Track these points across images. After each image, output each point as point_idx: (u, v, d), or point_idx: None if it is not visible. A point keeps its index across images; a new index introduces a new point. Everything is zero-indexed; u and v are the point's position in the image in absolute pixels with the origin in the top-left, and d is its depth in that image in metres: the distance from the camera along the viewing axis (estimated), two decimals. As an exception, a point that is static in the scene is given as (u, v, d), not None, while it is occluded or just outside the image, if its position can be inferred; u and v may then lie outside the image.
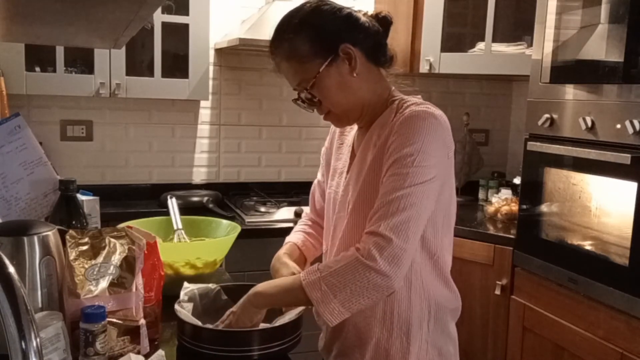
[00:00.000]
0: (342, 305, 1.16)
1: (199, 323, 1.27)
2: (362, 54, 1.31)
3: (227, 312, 1.31)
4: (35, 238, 1.17)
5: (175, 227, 1.76)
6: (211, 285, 1.45)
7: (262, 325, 1.31)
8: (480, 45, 3.00)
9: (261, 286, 1.29)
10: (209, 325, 1.31)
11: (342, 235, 1.36)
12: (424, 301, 1.32)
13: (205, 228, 1.79)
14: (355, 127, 1.44)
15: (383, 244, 1.15)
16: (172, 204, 1.80)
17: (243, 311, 1.27)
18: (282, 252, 1.52)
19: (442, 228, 1.31)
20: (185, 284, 1.42)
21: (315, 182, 1.62)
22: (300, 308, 1.31)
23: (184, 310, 1.30)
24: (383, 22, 1.36)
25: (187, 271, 1.60)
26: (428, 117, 1.22)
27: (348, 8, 1.34)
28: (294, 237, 1.59)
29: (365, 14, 1.36)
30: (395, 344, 1.31)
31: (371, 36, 1.33)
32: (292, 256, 1.51)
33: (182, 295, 1.37)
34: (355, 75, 1.29)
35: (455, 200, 1.34)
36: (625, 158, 1.93)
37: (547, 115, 2.31)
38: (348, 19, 1.32)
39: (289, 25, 1.31)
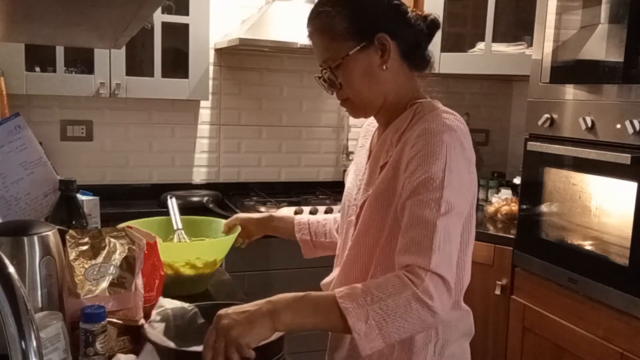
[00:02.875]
0: (383, 340, 1.04)
1: (171, 344, 1.11)
2: (398, 50, 1.25)
3: (222, 319, 1.03)
4: (35, 238, 1.17)
5: (175, 227, 1.75)
6: (187, 306, 1.29)
7: None
8: (480, 45, 3.00)
9: (287, 302, 1.05)
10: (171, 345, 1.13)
11: (351, 245, 1.29)
12: None
13: (205, 228, 1.79)
14: (375, 128, 1.39)
15: (437, 281, 1.05)
16: (172, 204, 1.79)
17: (255, 325, 1.02)
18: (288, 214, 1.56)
19: (462, 245, 1.19)
20: (160, 302, 1.30)
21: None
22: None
23: (154, 331, 1.17)
24: (430, 24, 1.30)
25: (187, 271, 1.60)
26: (448, 131, 1.14)
27: None
28: (308, 215, 1.65)
29: (413, 10, 1.29)
30: None
31: (413, 35, 1.26)
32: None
33: (154, 314, 1.24)
34: (385, 68, 1.23)
35: (474, 215, 1.25)
36: (625, 158, 1.93)
37: (547, 115, 2.31)
38: (396, 9, 1.25)
39: None
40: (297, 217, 1.66)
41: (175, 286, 1.45)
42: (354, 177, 1.38)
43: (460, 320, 1.26)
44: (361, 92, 1.25)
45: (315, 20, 1.25)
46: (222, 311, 1.05)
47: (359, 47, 1.21)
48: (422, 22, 1.28)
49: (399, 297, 1.02)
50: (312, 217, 1.66)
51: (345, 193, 1.41)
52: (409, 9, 1.27)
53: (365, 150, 1.39)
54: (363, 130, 1.47)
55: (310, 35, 1.28)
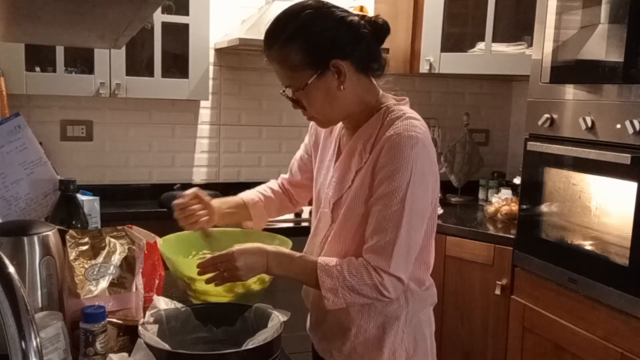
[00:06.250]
0: (346, 305, 1.32)
1: (167, 346, 1.12)
2: (353, 67, 1.33)
3: (224, 254, 1.31)
4: (35, 238, 1.17)
5: None
6: (180, 307, 1.31)
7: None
8: (480, 45, 3.00)
9: (281, 262, 1.34)
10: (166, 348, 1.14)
11: (330, 240, 1.42)
12: (401, 295, 1.39)
13: (256, 240, 1.56)
14: (339, 126, 1.49)
15: (394, 280, 1.29)
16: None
17: (253, 272, 1.32)
18: (220, 201, 1.62)
19: (425, 233, 1.37)
20: (154, 302, 1.29)
21: (297, 155, 1.69)
22: (276, 328, 1.22)
23: (149, 333, 1.16)
24: (381, 30, 1.36)
25: (257, 287, 1.50)
26: (415, 145, 1.27)
27: (347, 16, 1.33)
28: (248, 194, 1.68)
29: (362, 18, 1.35)
30: (373, 332, 1.40)
31: (364, 47, 1.34)
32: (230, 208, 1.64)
33: (148, 316, 1.24)
34: (342, 88, 1.32)
35: (437, 204, 1.41)
36: (625, 158, 1.93)
37: (547, 115, 2.31)
38: (346, 30, 1.31)
39: (285, 29, 1.31)
40: (246, 199, 1.67)
41: (243, 300, 1.43)
42: (325, 170, 1.49)
43: (427, 293, 1.45)
44: (324, 112, 1.37)
45: (271, 50, 1.34)
46: (236, 251, 1.30)
47: (315, 76, 1.30)
48: (371, 30, 1.35)
49: (364, 283, 1.28)
50: (261, 197, 1.69)
51: (317, 180, 1.52)
52: (356, 18, 1.34)
53: (333, 141, 1.49)
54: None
55: (269, 62, 1.36)
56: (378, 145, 1.31)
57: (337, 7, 1.34)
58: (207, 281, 1.34)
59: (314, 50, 1.30)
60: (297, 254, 1.37)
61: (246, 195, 1.68)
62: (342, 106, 1.36)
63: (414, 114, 1.35)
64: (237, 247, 1.33)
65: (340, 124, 1.48)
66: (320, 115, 1.38)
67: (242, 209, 1.66)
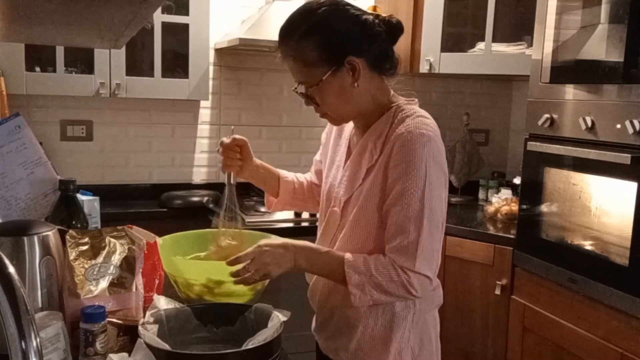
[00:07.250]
0: (372, 301, 1.33)
1: (167, 346, 1.11)
2: (367, 65, 1.35)
3: (252, 251, 1.30)
4: (35, 238, 1.17)
5: (223, 212, 1.62)
6: (180, 307, 1.30)
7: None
8: (480, 45, 3.00)
9: (308, 257, 1.33)
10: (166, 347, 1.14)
11: (341, 239, 1.42)
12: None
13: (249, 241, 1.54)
14: (351, 126, 1.50)
15: (420, 278, 1.30)
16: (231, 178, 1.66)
17: (281, 267, 1.31)
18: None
19: None
20: (155, 301, 1.28)
21: (315, 158, 1.70)
22: (276, 328, 1.21)
23: (149, 333, 1.15)
24: (395, 29, 1.40)
25: (259, 286, 1.50)
26: (427, 142, 1.28)
27: (362, 14, 1.35)
28: (285, 172, 1.70)
29: (377, 17, 1.37)
30: (380, 332, 1.40)
31: (378, 45, 1.36)
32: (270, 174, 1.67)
33: (148, 316, 1.23)
34: (356, 85, 1.34)
35: (446, 204, 1.40)
36: (625, 158, 1.93)
37: (547, 115, 2.31)
38: (361, 28, 1.34)
39: (301, 25, 1.32)
40: (282, 174, 1.70)
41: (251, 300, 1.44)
42: (335, 169, 1.50)
43: (434, 294, 1.46)
44: (338, 108, 1.38)
45: (287, 46, 1.34)
46: (264, 246, 1.31)
47: (330, 72, 1.32)
48: (385, 29, 1.37)
49: (391, 281, 1.29)
50: (295, 180, 1.71)
51: (325, 181, 1.52)
52: (371, 17, 1.36)
53: (344, 140, 1.50)
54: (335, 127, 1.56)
55: (283, 57, 1.37)
56: (389, 143, 1.32)
57: (352, 6, 1.36)
58: (237, 282, 1.32)
59: (329, 47, 1.31)
60: (324, 248, 1.38)
61: (283, 172, 1.70)
62: (355, 103, 1.37)
63: (424, 113, 1.37)
64: (263, 241, 1.33)
65: (351, 124, 1.49)
66: (333, 112, 1.39)
67: (274, 179, 1.68)
